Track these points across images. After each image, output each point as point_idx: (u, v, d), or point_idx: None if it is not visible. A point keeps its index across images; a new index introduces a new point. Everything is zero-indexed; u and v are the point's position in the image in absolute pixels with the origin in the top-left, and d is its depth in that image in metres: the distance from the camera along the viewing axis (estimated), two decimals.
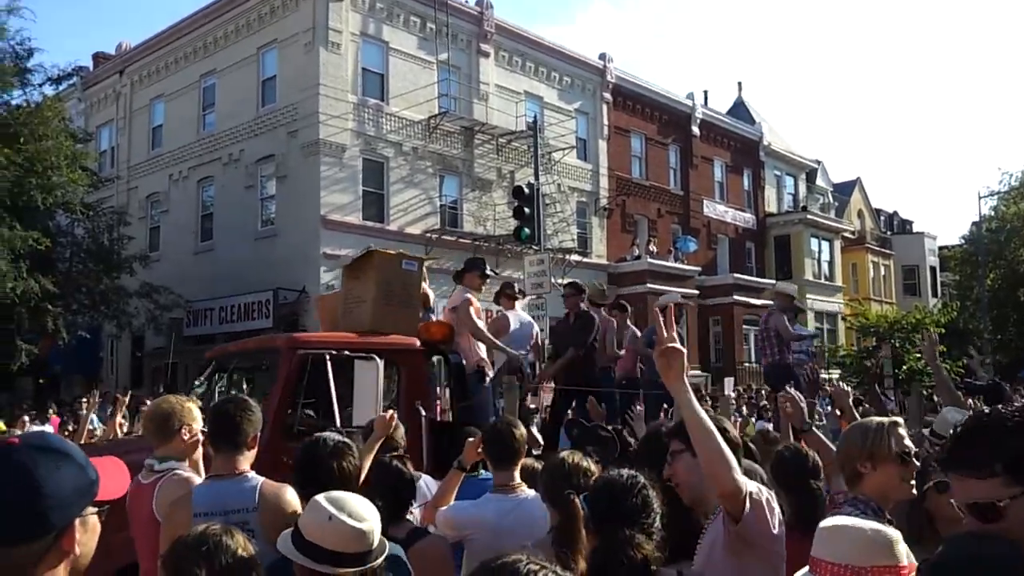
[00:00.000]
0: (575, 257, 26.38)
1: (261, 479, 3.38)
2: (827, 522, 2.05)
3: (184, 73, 25.50)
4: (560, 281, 22.51)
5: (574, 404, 8.50)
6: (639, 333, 10.53)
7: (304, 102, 21.67)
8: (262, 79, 23.32)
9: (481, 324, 7.75)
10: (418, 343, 7.01)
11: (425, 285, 7.91)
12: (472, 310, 7.61)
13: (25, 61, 19.85)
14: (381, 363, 6.01)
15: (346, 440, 3.30)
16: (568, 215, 27.12)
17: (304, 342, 6.60)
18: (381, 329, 7.02)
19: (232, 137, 23.79)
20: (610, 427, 5.07)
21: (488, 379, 7.53)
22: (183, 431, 3.69)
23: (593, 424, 5.15)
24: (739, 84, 49.30)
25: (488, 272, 8.15)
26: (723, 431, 2.62)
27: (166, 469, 3.62)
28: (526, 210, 17.33)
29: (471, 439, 4.21)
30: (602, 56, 29.52)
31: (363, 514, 2.46)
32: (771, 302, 11.23)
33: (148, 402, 10.26)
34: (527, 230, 17.36)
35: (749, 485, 2.50)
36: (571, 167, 27.71)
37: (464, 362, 7.37)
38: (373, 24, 22.94)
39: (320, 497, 2.50)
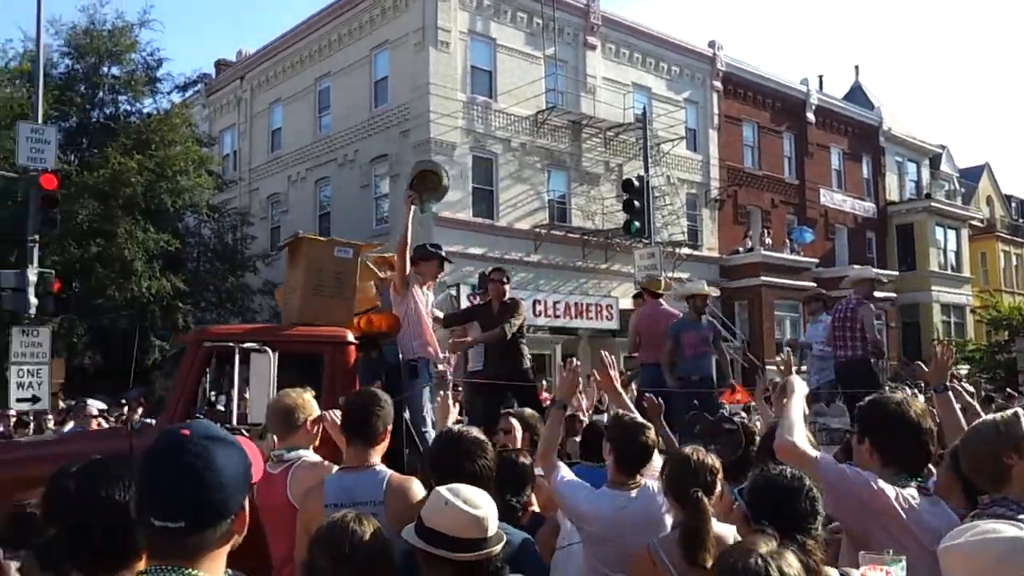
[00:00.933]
0: (685, 250, 26.01)
1: (389, 472, 3.48)
2: (966, 529, 1.92)
3: (300, 77, 26.39)
4: (671, 275, 22.32)
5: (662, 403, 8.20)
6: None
7: (415, 102, 22.10)
8: (374, 80, 23.89)
9: (423, 310, 7.09)
10: (348, 335, 6.52)
11: (388, 273, 7.41)
12: (417, 299, 7.02)
13: (155, 71, 21.04)
14: (274, 356, 5.70)
15: (480, 437, 3.35)
16: (678, 207, 26.75)
17: (213, 334, 6.41)
18: (309, 320, 6.67)
19: (347, 138, 24.48)
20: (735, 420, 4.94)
21: (428, 374, 7.03)
22: (307, 424, 3.87)
23: (718, 418, 5.06)
24: (856, 68, 47.22)
25: (443, 256, 7.52)
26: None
27: (295, 458, 3.78)
28: (636, 203, 17.22)
29: (567, 374, 4.26)
30: (711, 44, 28.96)
31: (479, 502, 2.51)
32: (849, 290, 9.95)
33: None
34: (637, 223, 17.24)
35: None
36: (681, 158, 27.32)
37: (400, 355, 6.92)
38: (481, 22, 23.18)
39: (441, 487, 2.58)
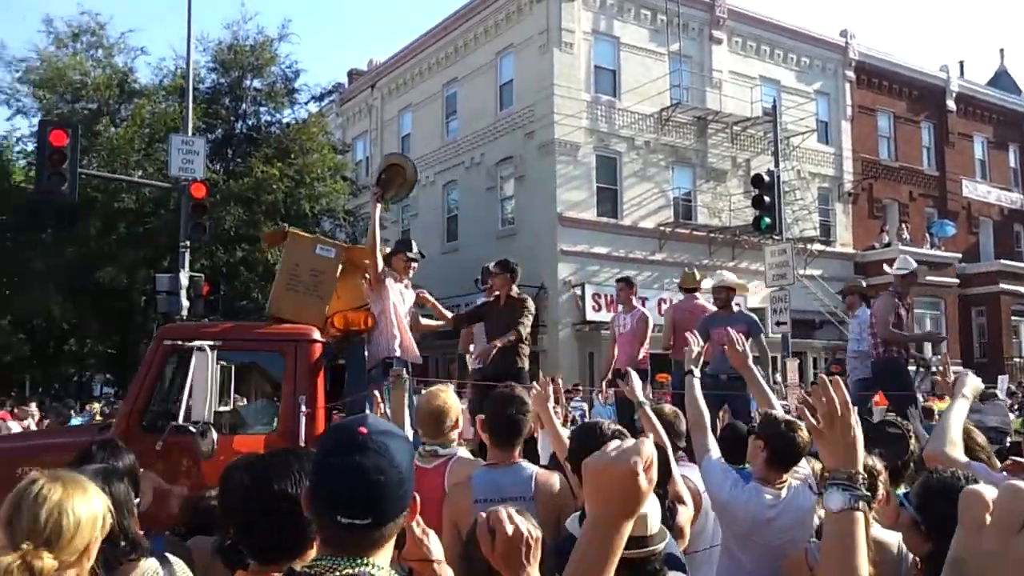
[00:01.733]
0: (818, 246, 25.24)
1: (535, 467, 3.60)
2: None
3: (428, 83, 27.09)
4: (802, 272, 21.70)
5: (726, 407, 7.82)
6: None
7: (540, 103, 22.33)
8: (500, 84, 24.27)
9: (400, 309, 6.92)
10: (313, 333, 6.42)
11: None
12: (393, 297, 6.84)
13: (293, 83, 22.08)
14: (212, 355, 5.65)
15: (621, 428, 3.41)
16: (809, 202, 25.97)
17: (175, 332, 6.41)
18: (282, 315, 6.65)
19: (473, 142, 24.96)
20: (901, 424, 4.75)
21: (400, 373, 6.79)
22: (456, 424, 4.02)
23: (881, 421, 4.89)
24: (1001, 52, 44.67)
25: (413, 254, 7.21)
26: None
27: (450, 453, 3.90)
28: (765, 199, 16.83)
29: (693, 348, 4.17)
30: (843, 33, 27.96)
31: None
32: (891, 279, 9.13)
33: None
34: (767, 219, 16.84)
35: None
36: (812, 152, 26.51)
37: (367, 353, 6.77)
38: (604, 21, 23.20)
39: None
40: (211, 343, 5.72)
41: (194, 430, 5.34)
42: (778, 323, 17.20)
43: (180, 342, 5.95)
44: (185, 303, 14.16)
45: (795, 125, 25.09)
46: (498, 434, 3.61)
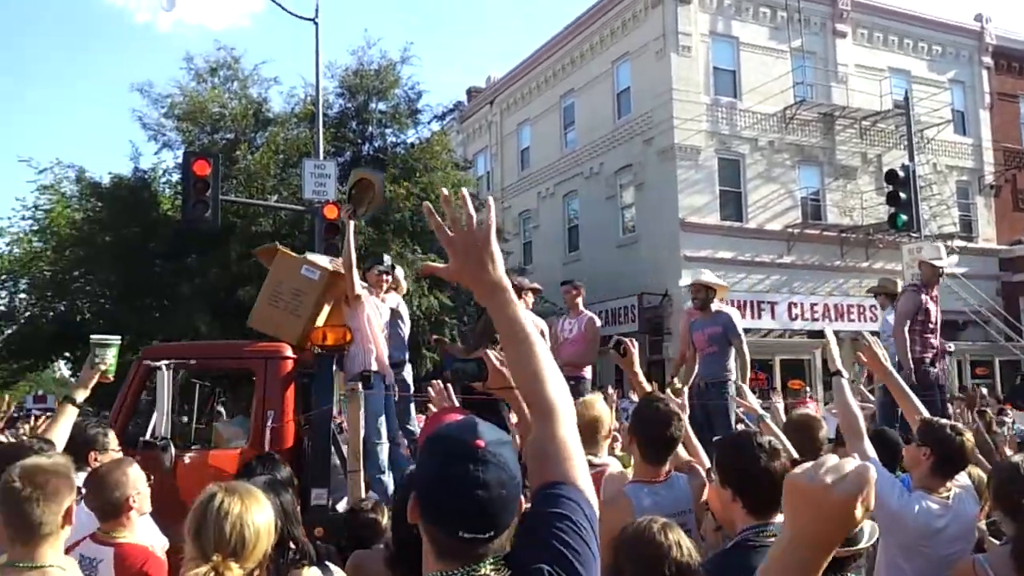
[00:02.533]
0: (958, 243, 23.95)
1: (685, 478, 3.61)
2: None
3: (545, 96, 27.33)
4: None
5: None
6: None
7: (658, 109, 22.17)
8: (617, 92, 24.25)
9: (375, 323, 7.06)
10: (285, 350, 6.64)
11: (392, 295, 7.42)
12: (369, 313, 7.01)
13: (415, 103, 22.70)
14: (168, 373, 5.86)
15: (775, 441, 3.37)
16: (947, 197, 24.72)
17: (153, 352, 6.55)
18: (260, 328, 6.90)
19: (592, 151, 25.01)
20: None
21: (382, 386, 6.95)
22: (609, 433, 4.07)
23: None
24: None
25: (384, 267, 7.40)
26: None
27: (603, 464, 3.92)
28: (901, 195, 16.17)
29: (831, 347, 3.99)
30: (978, 17, 26.53)
31: None
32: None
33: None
34: (903, 217, 16.18)
35: None
36: (948, 143, 25.23)
37: (344, 368, 6.92)
38: (722, 22, 22.85)
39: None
40: (169, 362, 6.04)
41: (158, 445, 5.66)
42: None
43: (150, 362, 6.24)
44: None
45: (929, 117, 23.94)
46: (655, 450, 3.57)
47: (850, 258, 23.04)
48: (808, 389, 18.58)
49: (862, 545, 2.38)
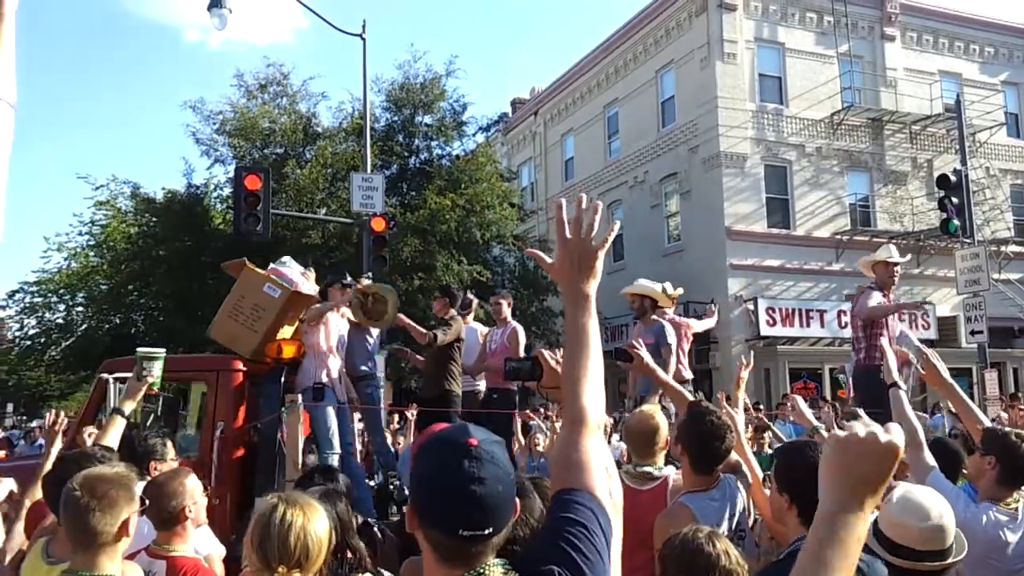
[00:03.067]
0: (1013, 248, 23.45)
1: (733, 477, 3.64)
2: None
3: (589, 106, 27.38)
4: (997, 277, 20.20)
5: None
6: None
7: (703, 117, 22.08)
8: (661, 101, 24.21)
9: (330, 336, 7.28)
10: (236, 364, 7.00)
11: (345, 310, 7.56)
12: (326, 330, 7.23)
13: (460, 115, 22.94)
14: (115, 386, 6.01)
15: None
16: (1001, 201, 24.18)
17: (111, 365, 6.73)
18: (218, 339, 7.20)
19: (636, 160, 24.98)
20: None
21: (331, 398, 7.08)
22: (665, 444, 4.07)
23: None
24: None
25: (347, 282, 7.57)
26: None
27: (663, 475, 3.87)
28: (953, 200, 15.89)
29: (887, 358, 3.93)
30: None
31: (936, 511, 2.44)
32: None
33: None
34: (955, 222, 15.89)
35: None
36: (1001, 147, 24.72)
37: (297, 379, 7.15)
38: (767, 28, 22.71)
39: (906, 492, 2.55)
40: (118, 375, 6.24)
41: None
42: (973, 332, 16.15)
43: (106, 375, 6.55)
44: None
45: (981, 120, 23.50)
46: (705, 462, 3.56)
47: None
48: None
49: (951, 560, 2.37)
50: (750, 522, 3.60)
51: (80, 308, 23.98)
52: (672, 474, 3.83)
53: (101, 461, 3.27)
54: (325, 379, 7.11)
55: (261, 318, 7.10)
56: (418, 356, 9.21)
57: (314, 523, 2.45)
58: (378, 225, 14.74)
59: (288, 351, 7.44)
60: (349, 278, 7.82)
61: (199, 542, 3.64)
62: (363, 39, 16.36)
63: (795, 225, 22.33)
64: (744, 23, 22.27)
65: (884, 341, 4.91)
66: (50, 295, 24.15)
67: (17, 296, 24.03)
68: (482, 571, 1.56)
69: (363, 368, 8.00)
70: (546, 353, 2.43)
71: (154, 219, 22.21)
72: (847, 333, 21.43)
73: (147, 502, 2.90)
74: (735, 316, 21.10)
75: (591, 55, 27.04)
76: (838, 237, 22.26)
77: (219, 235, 20.88)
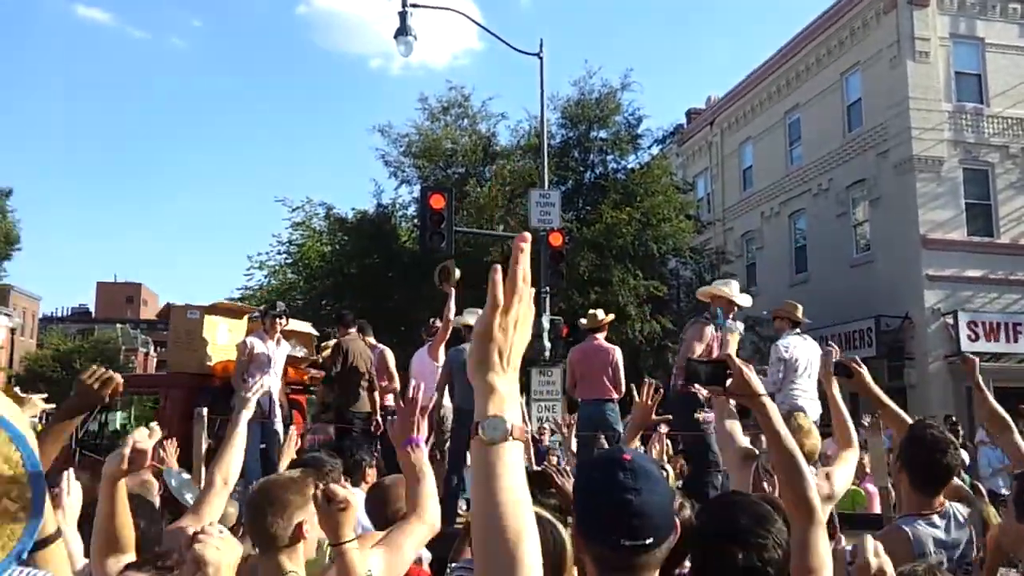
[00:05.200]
0: None
1: (960, 506, 3.43)
2: None
3: (768, 113, 26.61)
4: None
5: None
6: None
7: (893, 120, 20.97)
8: (846, 104, 23.19)
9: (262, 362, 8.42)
10: (184, 380, 8.95)
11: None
12: (252, 351, 8.36)
13: (635, 129, 22.94)
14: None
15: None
16: None
17: None
18: (173, 368, 9.27)
19: (820, 167, 24.03)
20: None
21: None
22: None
23: None
24: None
25: (275, 312, 8.83)
26: None
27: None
28: None
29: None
30: None
31: None
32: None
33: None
34: None
35: None
36: None
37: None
38: (964, 23, 21.29)
39: None
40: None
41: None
42: None
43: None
44: (547, 344, 15.13)
45: None
46: (928, 481, 3.37)
47: None
48: None
49: None
50: (974, 554, 3.37)
51: None
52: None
53: (320, 467, 3.57)
54: (256, 396, 8.29)
55: (194, 338, 9.01)
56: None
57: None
58: (555, 240, 14.96)
59: (224, 370, 8.90)
60: (281, 306, 9.34)
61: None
62: (540, 58, 16.72)
63: (999, 232, 20.77)
64: (938, 19, 20.98)
65: None
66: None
67: None
68: None
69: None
70: (737, 360, 2.40)
71: (346, 238, 23.58)
72: None
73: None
74: (932, 331, 19.85)
75: (770, 60, 26.30)
76: None
77: (405, 252, 21.88)
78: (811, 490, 2.16)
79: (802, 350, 7.48)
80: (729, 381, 2.36)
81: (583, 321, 9.21)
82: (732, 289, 7.40)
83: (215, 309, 9.54)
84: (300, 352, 9.99)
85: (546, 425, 12.98)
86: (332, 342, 9.85)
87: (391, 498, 3.58)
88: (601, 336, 8.76)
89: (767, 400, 2.30)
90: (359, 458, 4.75)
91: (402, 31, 15.69)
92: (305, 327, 10.92)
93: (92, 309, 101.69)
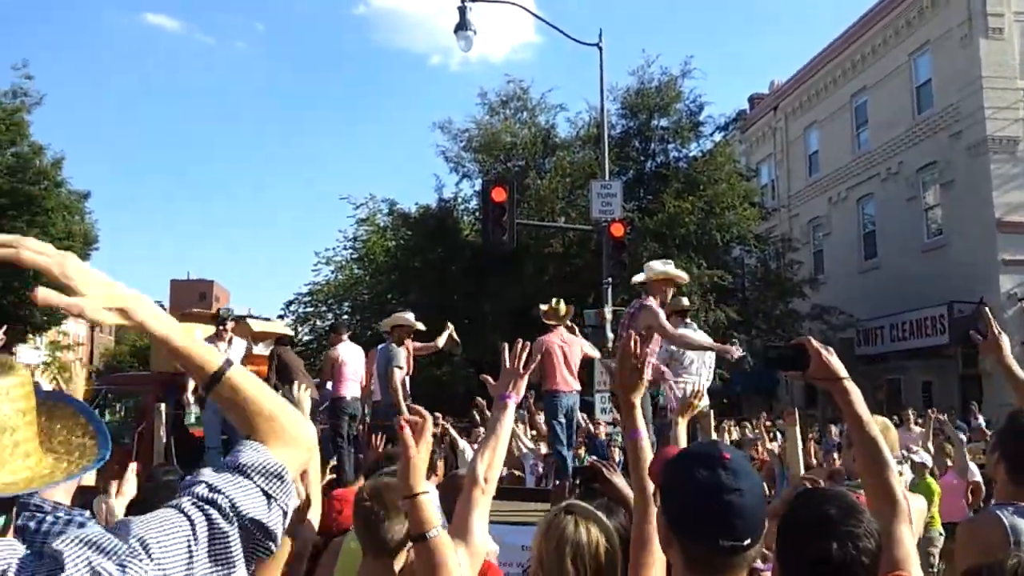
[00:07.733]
0: None
1: None
2: None
3: (834, 97, 26.04)
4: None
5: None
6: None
7: (965, 100, 20.34)
8: (916, 85, 22.58)
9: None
10: (155, 379, 10.15)
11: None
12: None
13: (697, 116, 22.66)
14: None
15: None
16: None
17: (106, 380, 9.96)
18: (163, 368, 9.98)
19: (888, 151, 23.45)
20: None
21: (212, 406, 7.93)
22: None
23: None
24: None
25: (223, 314, 9.80)
26: None
27: None
28: None
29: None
30: None
31: None
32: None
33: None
34: None
35: None
36: None
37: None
38: None
39: None
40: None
41: None
42: None
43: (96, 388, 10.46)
44: (610, 335, 15.07)
45: None
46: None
47: None
48: None
49: None
50: None
51: (346, 316, 26.21)
52: None
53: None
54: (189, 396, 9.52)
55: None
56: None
57: (604, 537, 2.46)
58: (617, 231, 14.87)
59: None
60: (233, 309, 10.54)
61: None
62: (600, 48, 16.62)
63: None
64: None
65: None
66: (320, 305, 26.61)
67: (292, 307, 26.72)
68: None
69: None
70: (815, 342, 2.35)
71: (409, 232, 23.87)
72: None
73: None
74: (1009, 317, 19.21)
75: (835, 43, 25.71)
76: None
77: (468, 245, 22.03)
78: (894, 477, 2.13)
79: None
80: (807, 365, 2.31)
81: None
82: (669, 268, 7.33)
83: (190, 316, 11.51)
84: (265, 351, 10.94)
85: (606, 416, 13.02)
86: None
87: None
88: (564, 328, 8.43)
89: (849, 383, 2.22)
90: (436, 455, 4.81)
91: (462, 26, 15.75)
92: (279, 326, 12.00)
93: (166, 306, 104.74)
